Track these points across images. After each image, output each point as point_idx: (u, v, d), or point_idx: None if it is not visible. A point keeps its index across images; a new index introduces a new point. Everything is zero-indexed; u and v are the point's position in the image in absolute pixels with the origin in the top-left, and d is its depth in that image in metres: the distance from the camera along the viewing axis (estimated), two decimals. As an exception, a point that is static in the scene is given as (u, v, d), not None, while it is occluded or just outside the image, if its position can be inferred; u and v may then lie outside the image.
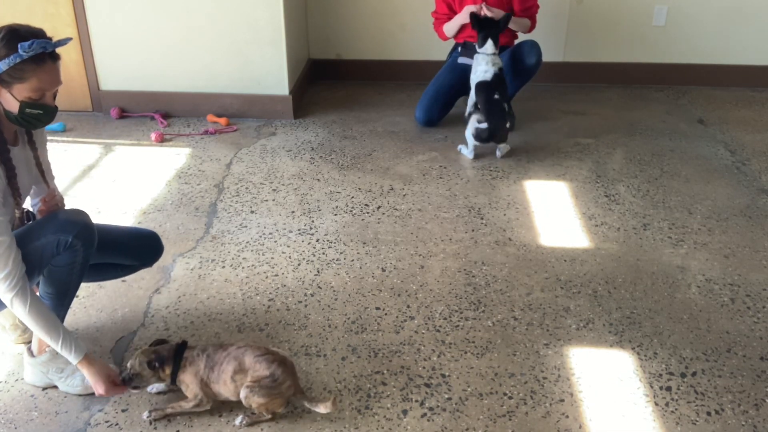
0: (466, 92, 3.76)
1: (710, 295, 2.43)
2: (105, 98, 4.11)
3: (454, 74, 3.85)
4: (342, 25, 4.63)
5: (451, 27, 3.79)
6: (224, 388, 1.86)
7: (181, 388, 1.89)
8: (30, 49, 1.65)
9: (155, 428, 1.88)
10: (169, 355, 1.87)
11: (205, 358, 1.86)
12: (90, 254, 1.91)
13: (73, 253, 1.85)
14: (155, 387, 1.99)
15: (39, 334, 1.82)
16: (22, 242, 1.81)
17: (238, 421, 1.88)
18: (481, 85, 3.50)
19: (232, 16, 3.84)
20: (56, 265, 1.86)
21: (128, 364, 1.88)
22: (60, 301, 1.95)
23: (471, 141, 3.49)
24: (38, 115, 1.76)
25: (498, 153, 3.57)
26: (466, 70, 3.71)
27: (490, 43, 3.51)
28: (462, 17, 3.68)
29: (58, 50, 1.75)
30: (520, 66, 3.73)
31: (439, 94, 3.89)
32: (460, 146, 3.61)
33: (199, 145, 3.74)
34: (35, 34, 1.69)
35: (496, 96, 3.47)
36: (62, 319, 1.97)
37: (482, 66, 3.51)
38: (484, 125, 3.44)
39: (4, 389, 2.03)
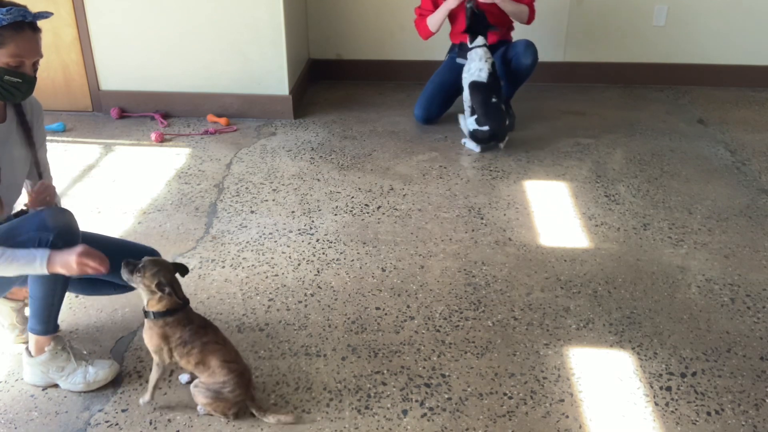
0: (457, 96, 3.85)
1: (710, 295, 2.43)
2: (105, 98, 4.11)
3: (452, 73, 3.83)
4: (342, 25, 4.63)
5: (436, 19, 3.69)
6: (183, 363, 1.86)
7: (145, 327, 1.86)
8: (8, 13, 1.70)
9: (155, 428, 1.88)
10: (174, 302, 1.82)
11: (182, 332, 1.83)
12: None
13: None
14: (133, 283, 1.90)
15: (11, 272, 1.76)
16: (4, 238, 1.79)
17: (199, 410, 1.90)
18: (476, 86, 3.49)
19: (232, 16, 3.84)
20: None
21: (134, 268, 1.81)
22: (47, 302, 1.92)
23: (468, 136, 3.55)
24: (17, 84, 1.78)
25: (500, 146, 3.60)
26: (445, 85, 3.79)
27: (480, 37, 3.50)
28: (446, 7, 3.61)
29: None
30: (515, 66, 3.70)
31: (438, 92, 3.89)
32: (464, 140, 3.63)
33: (199, 145, 3.74)
34: (16, 5, 1.74)
35: (494, 99, 3.47)
36: (54, 321, 1.95)
37: (476, 63, 3.49)
38: (486, 128, 3.46)
39: (4, 389, 2.03)
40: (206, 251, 2.73)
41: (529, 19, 3.72)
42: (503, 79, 3.71)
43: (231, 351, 1.88)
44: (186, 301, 1.87)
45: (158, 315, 1.83)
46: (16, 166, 1.95)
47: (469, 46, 3.54)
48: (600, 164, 3.47)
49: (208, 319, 1.94)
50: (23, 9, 1.74)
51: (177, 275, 1.87)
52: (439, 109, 3.91)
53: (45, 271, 1.74)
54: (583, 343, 2.20)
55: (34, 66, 1.82)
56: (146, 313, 1.85)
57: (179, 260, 2.66)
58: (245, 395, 1.87)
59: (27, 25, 1.76)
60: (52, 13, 1.82)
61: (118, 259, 2.01)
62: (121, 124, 4.02)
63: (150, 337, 1.86)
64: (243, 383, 1.86)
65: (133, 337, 2.24)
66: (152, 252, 2.13)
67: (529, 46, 3.66)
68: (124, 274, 1.83)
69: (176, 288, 1.84)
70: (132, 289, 2.11)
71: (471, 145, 3.59)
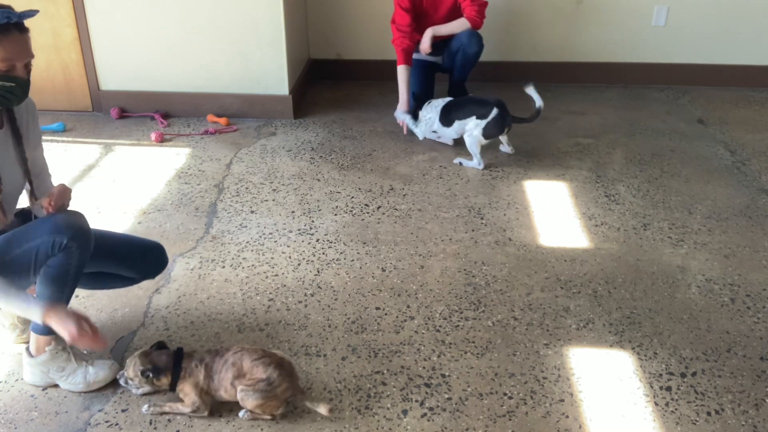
0: (436, 73, 4.03)
1: (710, 295, 2.43)
2: (105, 98, 4.11)
3: (423, 69, 3.94)
4: (342, 25, 4.63)
5: (399, 79, 3.79)
6: (226, 394, 1.87)
7: (180, 395, 1.90)
8: None
9: (155, 428, 1.88)
10: (167, 365, 1.88)
11: (204, 369, 1.86)
12: (86, 258, 1.89)
13: (68, 255, 1.83)
14: (140, 389, 1.99)
15: (6, 308, 1.81)
16: (18, 242, 1.81)
17: (241, 414, 1.89)
18: (448, 107, 3.52)
19: (232, 16, 3.84)
20: (51, 266, 1.84)
21: (125, 369, 1.91)
22: (54, 302, 1.90)
23: (477, 149, 3.39)
24: (11, 88, 1.75)
25: (509, 148, 3.55)
26: (424, 61, 3.91)
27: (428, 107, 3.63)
28: (405, 77, 3.75)
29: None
30: (462, 57, 3.78)
31: (426, 94, 3.94)
32: (459, 160, 3.47)
33: (199, 145, 3.74)
34: (0, 7, 1.69)
35: (469, 95, 3.63)
36: None
37: (431, 114, 3.58)
38: (494, 112, 3.31)
39: (4, 389, 2.03)
40: (206, 251, 2.73)
41: (474, 25, 3.71)
42: (453, 66, 3.87)
43: (256, 350, 1.88)
44: (178, 355, 1.90)
45: (174, 379, 1.87)
46: (14, 171, 1.94)
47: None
48: (600, 164, 3.47)
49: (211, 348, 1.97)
50: (7, 10, 1.68)
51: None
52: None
53: (39, 320, 1.73)
54: (583, 343, 2.20)
55: (27, 68, 1.78)
56: (173, 390, 1.90)
57: (179, 260, 2.66)
58: (293, 389, 1.85)
59: (13, 26, 1.70)
60: (37, 11, 1.76)
61: (125, 253, 2.06)
62: (121, 124, 4.02)
63: (187, 394, 1.88)
64: (286, 374, 1.84)
65: (133, 337, 2.24)
66: (156, 246, 2.16)
67: (472, 35, 3.71)
68: (121, 381, 1.94)
69: (158, 359, 1.89)
70: (137, 282, 2.17)
71: (474, 163, 3.42)
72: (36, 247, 1.80)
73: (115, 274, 2.10)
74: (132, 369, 1.88)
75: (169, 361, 1.88)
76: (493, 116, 3.33)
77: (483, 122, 3.34)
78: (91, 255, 2.00)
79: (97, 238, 2.05)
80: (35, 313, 1.73)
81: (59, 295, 1.91)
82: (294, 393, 1.86)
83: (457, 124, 3.46)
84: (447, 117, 3.51)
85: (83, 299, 2.40)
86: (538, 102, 3.37)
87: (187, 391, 1.87)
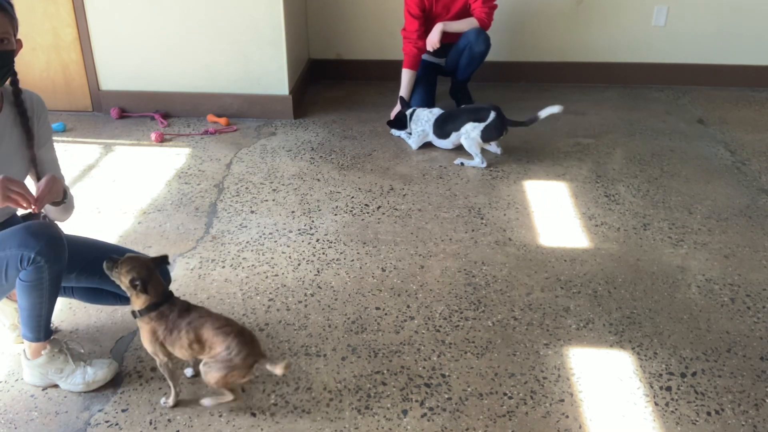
0: (438, 76, 4.08)
1: (710, 295, 2.43)
2: (105, 98, 4.11)
3: (427, 71, 4.00)
4: (342, 25, 4.63)
5: (403, 83, 3.87)
6: (179, 352, 1.85)
7: (139, 329, 1.87)
8: None
9: (155, 428, 1.88)
10: (154, 296, 1.82)
11: (167, 322, 1.83)
12: (59, 269, 1.84)
13: (38, 269, 1.79)
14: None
15: None
16: None
17: (206, 402, 1.90)
18: (443, 119, 3.52)
19: (232, 16, 3.85)
20: (24, 280, 1.81)
21: (114, 264, 1.84)
22: (35, 312, 1.89)
23: (477, 149, 3.40)
24: None
25: (499, 150, 3.55)
26: (428, 64, 3.98)
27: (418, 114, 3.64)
28: (407, 81, 3.86)
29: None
30: (469, 54, 3.80)
31: (429, 94, 3.97)
32: (460, 160, 3.46)
33: (199, 145, 3.74)
34: None
35: (462, 106, 3.64)
36: (44, 330, 1.94)
37: (423, 127, 3.58)
38: (492, 115, 3.33)
39: (4, 389, 2.03)
40: (206, 251, 2.73)
41: (483, 25, 3.74)
42: (458, 64, 3.88)
43: (220, 318, 1.85)
44: (167, 296, 1.86)
45: (143, 312, 1.84)
46: (10, 163, 1.92)
47: (409, 117, 3.67)
48: (600, 164, 3.47)
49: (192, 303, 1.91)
50: None
51: (165, 268, 1.89)
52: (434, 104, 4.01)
53: None
54: (583, 343, 2.20)
55: (4, 41, 1.77)
56: (134, 314, 1.86)
57: (179, 260, 2.66)
58: (255, 354, 1.81)
59: None
60: None
61: None
62: (121, 124, 4.02)
63: (144, 338, 1.86)
64: (246, 342, 1.80)
65: (133, 337, 2.24)
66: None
67: (480, 34, 3.72)
68: (106, 269, 1.85)
69: (155, 284, 1.84)
70: None
71: (475, 163, 3.42)
72: (5, 258, 1.77)
73: (114, 293, 2.06)
74: (126, 272, 1.82)
75: (158, 294, 1.83)
76: (492, 119, 3.34)
77: (481, 125, 3.36)
78: (88, 270, 1.98)
79: (101, 253, 2.03)
80: None
81: (39, 306, 1.88)
82: (256, 359, 1.81)
83: (454, 135, 3.48)
84: (442, 129, 3.52)
85: (83, 299, 2.40)
86: (545, 113, 3.38)
87: (145, 335, 1.84)
